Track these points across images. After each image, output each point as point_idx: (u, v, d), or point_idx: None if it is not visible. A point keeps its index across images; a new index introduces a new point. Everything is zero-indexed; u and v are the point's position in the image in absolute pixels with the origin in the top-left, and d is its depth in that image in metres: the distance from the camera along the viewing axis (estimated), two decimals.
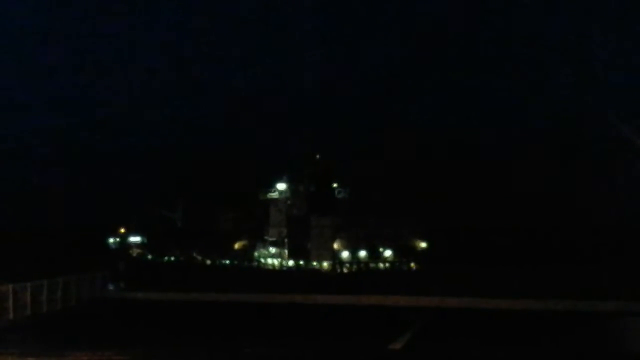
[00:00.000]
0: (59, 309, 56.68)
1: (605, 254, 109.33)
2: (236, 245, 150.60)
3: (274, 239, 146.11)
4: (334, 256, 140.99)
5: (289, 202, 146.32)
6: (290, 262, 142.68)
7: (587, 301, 56.23)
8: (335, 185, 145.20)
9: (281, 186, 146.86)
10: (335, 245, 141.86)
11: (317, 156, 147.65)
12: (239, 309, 60.91)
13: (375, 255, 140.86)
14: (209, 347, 41.92)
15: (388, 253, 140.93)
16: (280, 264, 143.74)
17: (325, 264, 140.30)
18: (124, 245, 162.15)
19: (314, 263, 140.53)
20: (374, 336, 46.01)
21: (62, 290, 58.08)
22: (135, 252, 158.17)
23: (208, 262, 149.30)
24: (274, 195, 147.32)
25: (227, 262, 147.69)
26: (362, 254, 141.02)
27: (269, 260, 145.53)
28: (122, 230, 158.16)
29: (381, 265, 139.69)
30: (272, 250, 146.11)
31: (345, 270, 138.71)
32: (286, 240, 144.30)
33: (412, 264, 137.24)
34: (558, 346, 42.08)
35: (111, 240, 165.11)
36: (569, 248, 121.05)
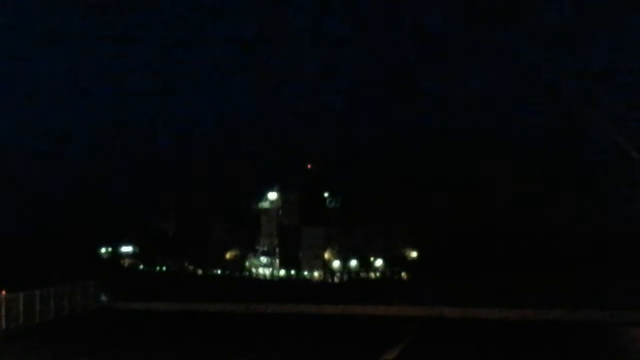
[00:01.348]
0: (51, 319, 56.12)
1: (606, 261, 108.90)
2: (227, 255, 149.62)
3: (265, 248, 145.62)
4: (325, 266, 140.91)
5: (280, 211, 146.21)
6: (282, 272, 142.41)
7: (581, 310, 55.86)
8: (326, 194, 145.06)
9: (272, 196, 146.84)
10: (326, 255, 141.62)
11: (309, 166, 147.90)
12: (231, 319, 60.53)
13: (366, 265, 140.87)
14: (202, 356, 41.58)
15: (379, 263, 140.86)
16: (272, 273, 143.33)
17: (316, 274, 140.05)
18: (116, 255, 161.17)
19: (305, 273, 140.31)
20: (367, 346, 45.59)
21: (55, 300, 57.64)
22: (126, 262, 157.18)
23: (199, 272, 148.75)
24: (265, 205, 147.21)
25: (219, 271, 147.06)
26: (353, 263, 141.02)
27: (260, 270, 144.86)
28: None
29: (372, 274, 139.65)
30: (264, 260, 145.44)
31: (336, 280, 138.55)
32: (277, 250, 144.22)
33: (403, 274, 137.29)
34: (551, 356, 41.88)
35: (103, 249, 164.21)
36: (566, 255, 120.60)
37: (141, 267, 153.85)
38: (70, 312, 59.20)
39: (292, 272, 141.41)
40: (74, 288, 61.41)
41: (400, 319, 58.62)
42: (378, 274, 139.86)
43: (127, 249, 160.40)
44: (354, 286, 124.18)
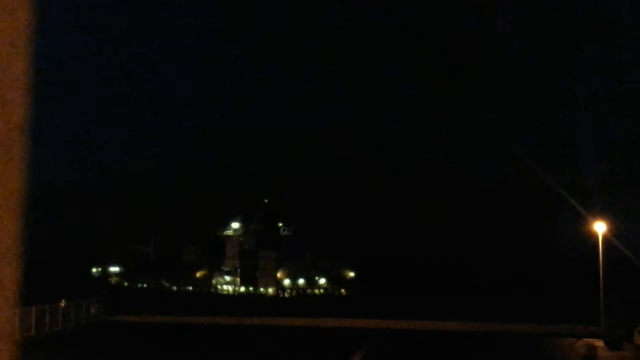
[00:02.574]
0: (59, 330, 53.37)
1: (511, 284, 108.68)
2: (197, 274, 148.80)
3: (228, 269, 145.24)
4: (278, 283, 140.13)
5: (241, 238, 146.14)
6: (242, 288, 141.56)
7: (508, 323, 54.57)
8: (280, 224, 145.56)
9: (235, 225, 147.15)
10: (279, 275, 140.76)
11: (266, 200, 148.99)
12: (204, 331, 57.90)
13: (311, 283, 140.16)
14: None
15: (322, 281, 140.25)
16: (234, 289, 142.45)
17: (270, 290, 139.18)
18: (105, 274, 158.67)
19: (261, 289, 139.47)
20: (330, 354, 43.84)
21: (63, 314, 54.99)
22: (113, 280, 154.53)
23: (174, 288, 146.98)
24: (229, 232, 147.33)
25: (190, 288, 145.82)
26: (301, 281, 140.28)
27: (225, 287, 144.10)
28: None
29: (317, 291, 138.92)
30: (227, 278, 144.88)
31: (286, 295, 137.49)
32: (239, 270, 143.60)
33: (343, 290, 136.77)
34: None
35: (94, 269, 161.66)
36: (478, 279, 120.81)
37: (125, 284, 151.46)
38: (77, 324, 56.37)
39: (251, 288, 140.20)
40: (79, 303, 58.68)
41: (351, 330, 56.62)
42: (322, 291, 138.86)
43: (114, 268, 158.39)
44: (302, 300, 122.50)
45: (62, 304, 55.87)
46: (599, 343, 41.38)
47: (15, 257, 2.29)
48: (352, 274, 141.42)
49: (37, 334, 49.98)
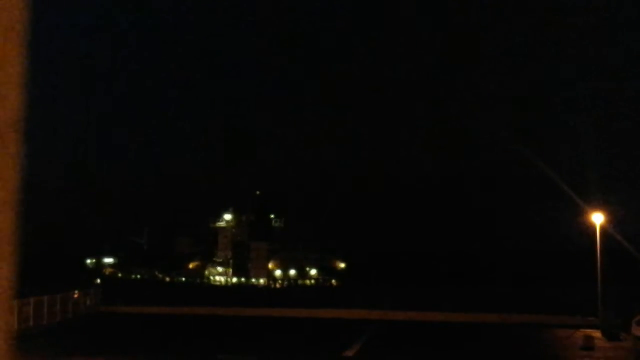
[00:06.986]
0: (57, 321, 52.40)
1: (497, 273, 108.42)
2: (190, 265, 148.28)
3: (221, 260, 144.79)
4: (269, 274, 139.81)
5: (233, 229, 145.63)
6: (234, 279, 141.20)
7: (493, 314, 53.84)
8: (272, 216, 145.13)
9: (227, 216, 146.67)
10: (270, 265, 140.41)
11: (257, 192, 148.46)
12: (199, 321, 56.94)
13: (303, 274, 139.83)
14: (188, 354, 38.70)
15: (313, 272, 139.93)
16: (226, 280, 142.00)
17: (261, 281, 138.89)
18: (99, 265, 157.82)
19: (253, 280, 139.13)
20: (328, 345, 43.07)
21: (61, 305, 54.01)
22: (107, 271, 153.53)
23: (167, 279, 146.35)
24: (222, 224, 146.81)
25: (183, 279, 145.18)
26: (292, 272, 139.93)
27: (217, 278, 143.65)
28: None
29: (308, 281, 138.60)
30: (220, 269, 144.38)
31: (277, 286, 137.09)
32: (231, 261, 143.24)
33: (333, 281, 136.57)
34: (489, 352, 40.20)
35: (88, 260, 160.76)
36: (469, 270, 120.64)
37: (119, 275, 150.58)
38: (74, 315, 55.36)
39: (243, 279, 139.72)
40: (77, 294, 57.71)
41: (343, 321, 55.75)
42: (313, 281, 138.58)
43: (108, 260, 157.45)
44: (292, 291, 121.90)
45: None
46: (597, 334, 40.94)
47: (12, 251, 2.28)
48: (342, 265, 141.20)
49: (35, 325, 49.03)
